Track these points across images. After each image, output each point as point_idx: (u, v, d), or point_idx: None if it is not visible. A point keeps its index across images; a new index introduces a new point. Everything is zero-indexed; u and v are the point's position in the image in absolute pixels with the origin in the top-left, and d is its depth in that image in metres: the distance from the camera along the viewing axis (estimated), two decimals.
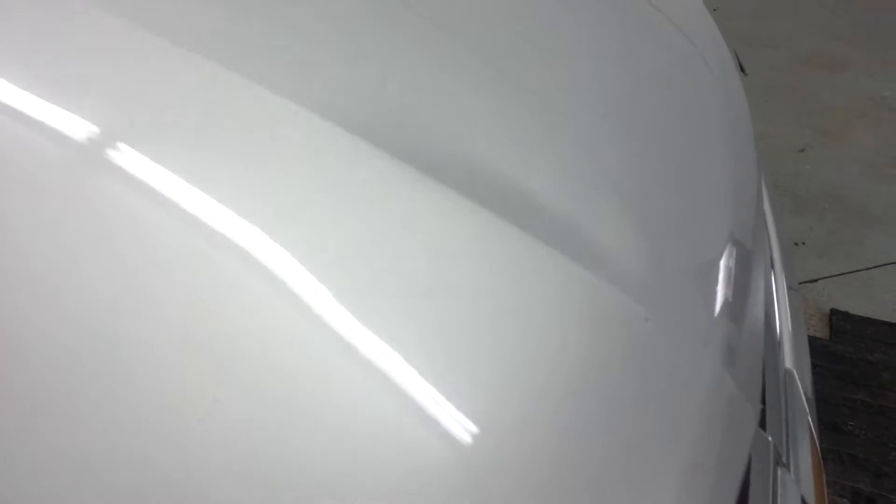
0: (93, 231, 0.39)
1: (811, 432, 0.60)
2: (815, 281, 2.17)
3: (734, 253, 0.51)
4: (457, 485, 0.35)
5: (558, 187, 0.49)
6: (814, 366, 1.95)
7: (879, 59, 3.50)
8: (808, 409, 0.61)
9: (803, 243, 2.32)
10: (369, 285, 0.39)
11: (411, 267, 0.41)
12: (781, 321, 0.67)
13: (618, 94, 0.59)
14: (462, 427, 0.37)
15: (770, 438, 0.54)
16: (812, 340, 1.95)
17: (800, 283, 2.16)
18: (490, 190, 0.45)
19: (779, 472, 0.53)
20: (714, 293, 0.46)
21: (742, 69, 0.95)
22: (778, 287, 0.70)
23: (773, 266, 0.72)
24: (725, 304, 0.47)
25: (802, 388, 0.67)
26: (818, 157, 2.77)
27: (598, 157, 0.52)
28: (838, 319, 2.00)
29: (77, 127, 0.43)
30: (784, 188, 2.58)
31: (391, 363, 0.38)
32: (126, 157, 0.42)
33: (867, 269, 2.22)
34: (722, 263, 0.50)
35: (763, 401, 0.58)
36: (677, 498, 0.38)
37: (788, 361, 0.64)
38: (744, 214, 0.59)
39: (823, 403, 1.78)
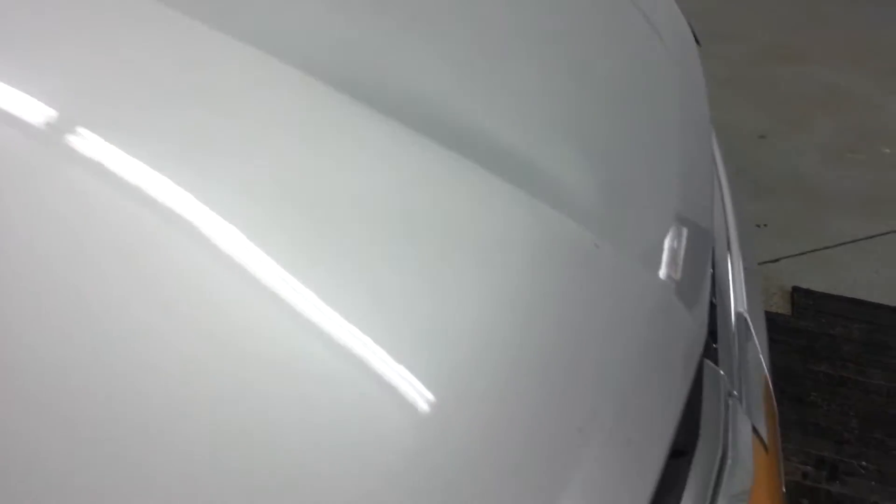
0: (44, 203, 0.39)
1: (765, 373, 0.64)
2: (777, 260, 2.23)
3: (684, 194, 0.54)
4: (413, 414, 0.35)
5: (511, 124, 0.51)
6: (777, 341, 2.01)
7: (837, 50, 3.61)
8: (759, 348, 0.64)
9: (765, 225, 2.39)
10: (323, 213, 0.40)
11: (360, 198, 0.42)
12: (737, 295, 0.70)
13: (575, 50, 0.62)
14: (415, 361, 0.37)
15: (721, 372, 0.58)
16: (775, 317, 2.01)
17: (762, 263, 2.22)
18: (442, 126, 0.48)
19: (730, 402, 0.56)
20: (664, 225, 0.50)
21: (697, 41, 0.99)
22: (734, 265, 0.74)
23: (728, 246, 0.75)
24: (674, 237, 0.51)
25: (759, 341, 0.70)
26: (778, 145, 2.85)
27: (553, 102, 0.55)
28: (800, 296, 2.07)
29: (27, 98, 0.43)
30: (745, 174, 2.65)
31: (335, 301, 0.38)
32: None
33: (827, 248, 2.29)
34: (672, 202, 0.53)
35: (715, 339, 0.62)
36: (619, 414, 0.41)
37: (741, 306, 0.67)
38: (695, 165, 0.63)
39: (787, 376, 1.84)
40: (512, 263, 0.43)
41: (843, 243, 2.29)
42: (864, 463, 1.61)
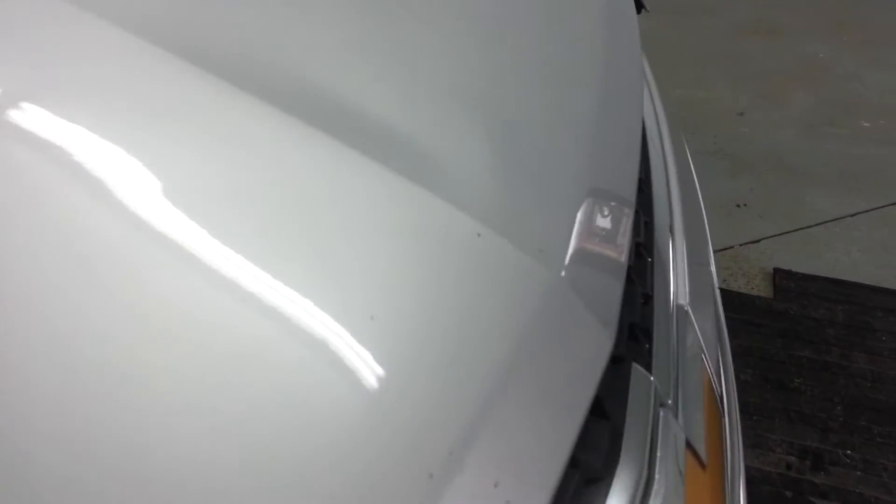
0: None
1: (708, 374, 0.55)
2: (758, 241, 2.15)
3: (601, 175, 0.45)
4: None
5: (397, 99, 0.42)
6: (758, 325, 1.93)
7: (814, 22, 3.52)
8: (703, 348, 0.55)
9: (745, 205, 2.30)
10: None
11: (227, 179, 0.35)
12: (678, 286, 0.61)
13: (483, 13, 0.53)
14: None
15: (652, 378, 0.49)
16: (756, 300, 1.93)
17: (743, 245, 2.14)
18: (315, 104, 0.39)
19: (660, 413, 0.47)
20: (570, 210, 0.41)
21: (642, 6, 0.89)
22: (676, 251, 0.65)
23: (672, 230, 0.66)
24: (582, 225, 0.42)
25: (704, 332, 0.61)
26: (757, 120, 2.76)
27: (451, 73, 0.46)
28: (781, 278, 1.98)
29: None
30: (724, 152, 2.56)
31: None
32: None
33: (808, 227, 2.21)
34: (584, 184, 0.44)
35: (650, 339, 0.53)
36: (507, 424, 0.32)
37: (683, 299, 0.58)
38: (619, 142, 0.54)
39: (769, 362, 1.75)
40: (381, 253, 0.34)
41: (825, 222, 2.21)
42: (848, 452, 1.53)
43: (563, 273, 0.37)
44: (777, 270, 2.01)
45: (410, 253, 0.35)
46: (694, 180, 1.01)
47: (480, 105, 0.48)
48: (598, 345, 0.37)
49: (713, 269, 0.85)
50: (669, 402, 0.48)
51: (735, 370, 1.74)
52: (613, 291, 0.41)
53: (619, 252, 0.45)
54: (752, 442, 1.57)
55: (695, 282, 0.62)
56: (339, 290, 0.33)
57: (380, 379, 0.31)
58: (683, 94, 2.89)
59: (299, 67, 0.45)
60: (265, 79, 0.42)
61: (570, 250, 0.40)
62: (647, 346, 0.52)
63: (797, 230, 2.19)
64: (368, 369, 0.30)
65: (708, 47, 3.30)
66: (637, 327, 0.53)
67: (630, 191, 0.50)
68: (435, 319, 0.34)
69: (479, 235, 0.37)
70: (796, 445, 1.56)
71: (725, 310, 1.93)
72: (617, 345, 0.45)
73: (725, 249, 2.12)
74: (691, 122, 2.72)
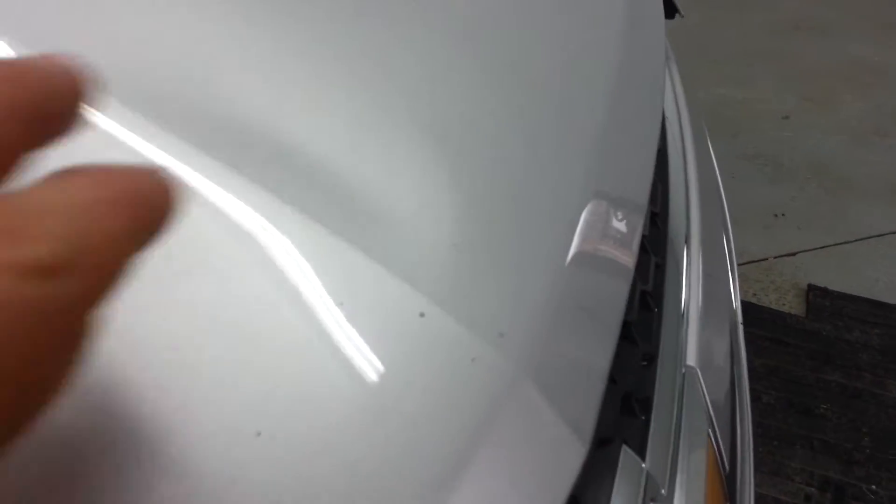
0: None
1: (715, 452, 0.49)
2: (794, 254, 2.06)
3: (599, 226, 0.40)
4: None
5: (343, 129, 0.37)
6: (787, 344, 1.84)
7: (864, 23, 3.35)
8: (713, 418, 0.50)
9: (783, 215, 2.20)
10: None
11: None
12: (690, 309, 0.56)
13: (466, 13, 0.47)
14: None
15: (644, 465, 0.43)
16: (786, 317, 1.84)
17: (776, 257, 2.05)
18: (248, 148, 0.34)
19: None
20: (539, 285, 0.35)
21: (676, 10, 0.82)
22: (691, 270, 0.59)
23: (687, 243, 0.60)
24: (563, 293, 0.36)
25: (712, 393, 0.55)
26: (802, 125, 2.64)
27: (417, 91, 0.40)
28: (816, 295, 1.89)
29: None
30: (766, 157, 2.45)
31: None
32: None
33: (849, 242, 2.10)
34: (565, 240, 0.38)
35: (648, 411, 0.47)
36: None
37: (692, 359, 0.52)
38: (624, 186, 0.48)
39: (795, 384, 1.67)
40: (324, 328, 0.30)
41: (867, 237, 2.10)
42: (874, 487, 1.45)
43: (527, 362, 0.32)
44: (811, 287, 1.92)
45: (359, 332, 0.30)
46: (719, 186, 0.94)
47: (452, 137, 0.42)
48: (566, 454, 0.31)
49: (735, 286, 0.78)
50: (663, 492, 0.43)
51: (758, 391, 1.66)
52: (594, 386, 0.36)
53: (608, 330, 0.39)
54: (770, 469, 1.50)
55: (710, 301, 0.56)
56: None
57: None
58: (725, 93, 2.78)
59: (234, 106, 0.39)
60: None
61: (541, 332, 0.35)
62: (644, 418, 0.46)
63: (837, 245, 2.09)
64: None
65: (751, 44, 3.16)
66: (633, 398, 0.47)
67: (628, 244, 0.44)
68: (394, 410, 0.29)
69: (422, 315, 0.32)
70: (817, 476, 1.49)
71: (753, 326, 1.84)
72: (604, 425, 0.39)
73: (758, 261, 2.03)
74: (732, 124, 2.61)
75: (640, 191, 0.50)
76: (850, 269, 2.01)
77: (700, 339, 0.54)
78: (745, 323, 0.80)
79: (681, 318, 0.54)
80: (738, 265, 1.89)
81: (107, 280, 0.17)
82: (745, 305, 1.92)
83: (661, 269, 0.60)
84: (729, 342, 0.62)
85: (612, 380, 0.41)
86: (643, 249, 0.52)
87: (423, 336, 0.30)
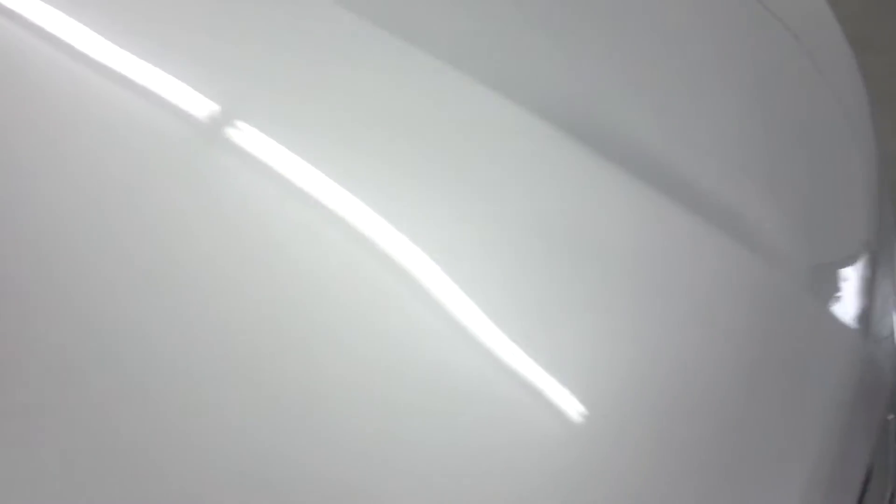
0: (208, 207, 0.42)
1: None
2: None
3: (871, 233, 0.51)
4: (573, 462, 0.36)
5: (695, 152, 0.49)
6: None
7: None
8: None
9: None
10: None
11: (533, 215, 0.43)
12: None
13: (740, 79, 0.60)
14: (585, 394, 0.38)
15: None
16: None
17: None
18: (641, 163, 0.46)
19: None
20: (855, 268, 0.47)
21: None
22: None
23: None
24: (864, 284, 0.47)
25: None
26: None
27: (739, 140, 0.53)
28: None
29: (196, 102, 0.46)
30: None
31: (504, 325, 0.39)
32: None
33: None
34: (860, 241, 0.50)
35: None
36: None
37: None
38: (880, 199, 0.58)
39: None
40: (700, 302, 0.42)
41: None
42: None
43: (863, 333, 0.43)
44: None
45: (723, 304, 0.41)
46: None
47: (765, 160, 0.54)
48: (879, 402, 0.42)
49: None
50: None
51: None
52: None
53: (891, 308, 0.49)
54: None
55: None
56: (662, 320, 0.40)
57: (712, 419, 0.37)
58: None
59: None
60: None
61: (860, 310, 0.45)
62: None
63: None
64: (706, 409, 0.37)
65: (890, 89, 3.08)
66: None
67: (891, 255, 0.55)
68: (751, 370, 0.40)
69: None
70: None
71: None
72: None
73: None
74: None
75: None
76: None
77: None
78: None
79: None
80: None
81: None
82: None
83: None
84: None
85: None
86: None
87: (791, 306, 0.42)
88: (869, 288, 0.50)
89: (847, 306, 0.46)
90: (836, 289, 0.48)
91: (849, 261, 0.50)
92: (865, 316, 0.47)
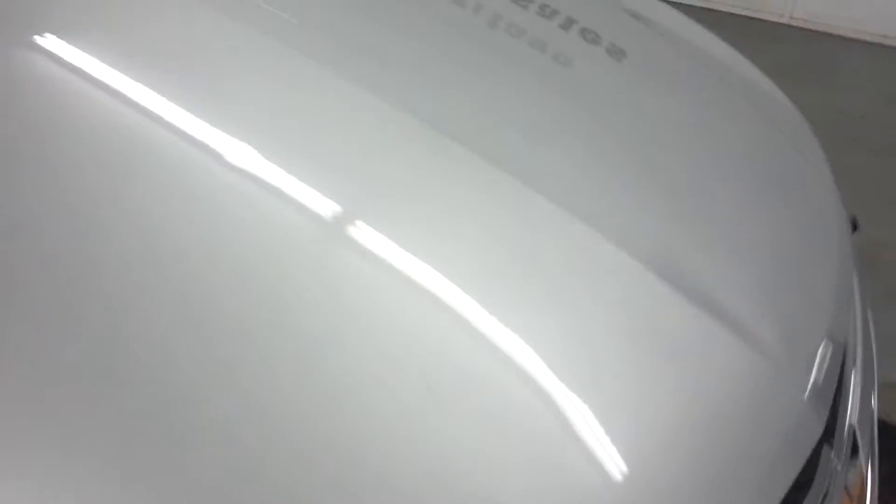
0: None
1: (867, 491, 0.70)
2: None
3: (833, 313, 0.66)
4: None
5: (691, 242, 0.65)
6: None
7: None
8: (866, 461, 0.71)
9: None
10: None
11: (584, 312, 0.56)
12: (853, 407, 0.76)
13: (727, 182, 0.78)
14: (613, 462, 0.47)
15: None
16: None
17: None
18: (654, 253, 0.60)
19: None
20: (815, 344, 0.62)
21: (855, 225, 1.01)
22: (854, 380, 0.80)
23: (854, 361, 0.81)
24: (822, 355, 0.62)
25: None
26: None
27: (727, 236, 0.69)
28: None
29: (311, 197, 0.55)
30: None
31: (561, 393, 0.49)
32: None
33: None
34: (823, 319, 0.65)
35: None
36: None
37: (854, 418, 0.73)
38: (842, 281, 0.72)
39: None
40: (694, 374, 0.55)
41: None
42: None
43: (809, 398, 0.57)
44: None
45: (720, 381, 0.55)
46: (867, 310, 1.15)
47: (758, 269, 0.69)
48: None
49: (875, 401, 0.99)
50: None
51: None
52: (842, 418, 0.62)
53: (836, 377, 0.65)
54: None
55: (863, 404, 0.78)
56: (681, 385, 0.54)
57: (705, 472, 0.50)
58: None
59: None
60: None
61: (814, 379, 0.60)
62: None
63: None
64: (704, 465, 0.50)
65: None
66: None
67: (847, 325, 0.72)
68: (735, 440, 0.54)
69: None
70: None
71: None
72: None
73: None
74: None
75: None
76: None
77: (861, 406, 0.76)
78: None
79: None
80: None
81: None
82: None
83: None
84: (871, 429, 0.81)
85: None
86: None
87: (767, 385, 0.58)
88: (834, 372, 0.66)
89: (814, 388, 0.62)
90: (808, 374, 0.63)
91: (819, 351, 0.66)
92: (826, 395, 0.63)
